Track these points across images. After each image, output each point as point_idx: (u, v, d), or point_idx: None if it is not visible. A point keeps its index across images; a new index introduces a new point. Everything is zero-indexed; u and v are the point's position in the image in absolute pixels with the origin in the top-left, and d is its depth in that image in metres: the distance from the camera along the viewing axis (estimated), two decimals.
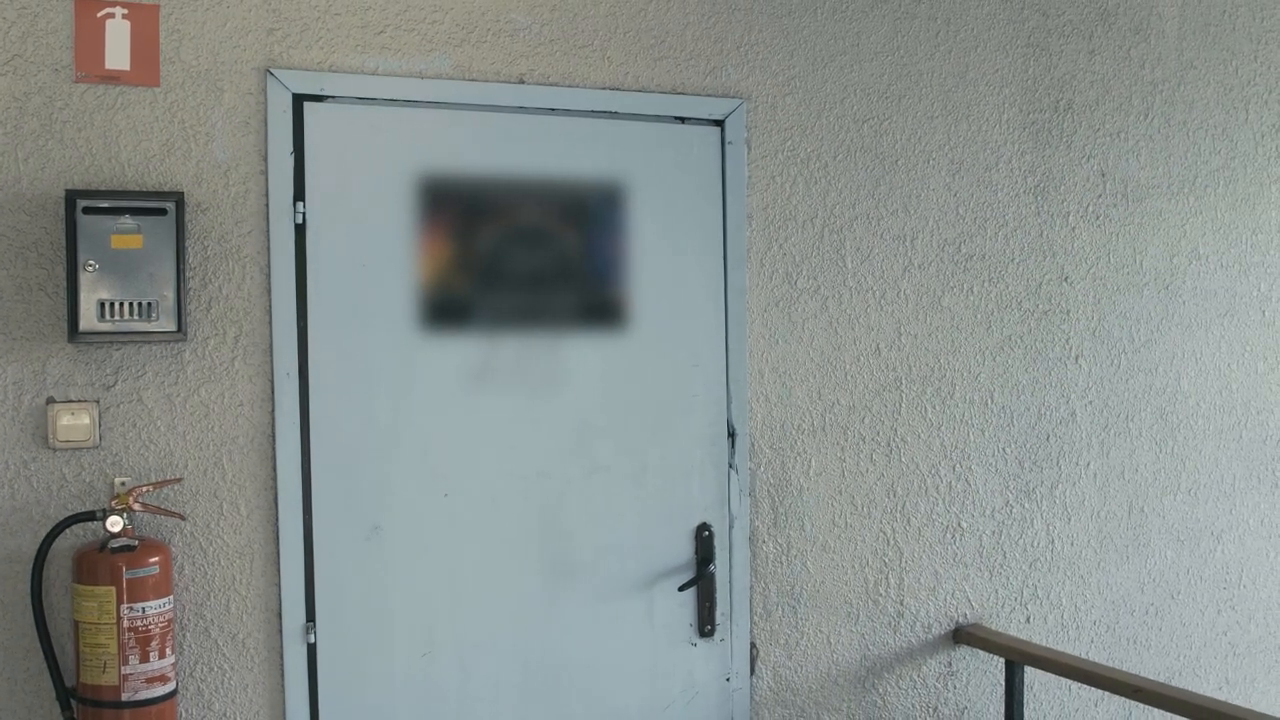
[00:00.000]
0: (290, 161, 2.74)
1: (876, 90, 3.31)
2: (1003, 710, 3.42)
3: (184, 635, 2.66)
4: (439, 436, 2.87)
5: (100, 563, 2.43)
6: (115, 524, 2.46)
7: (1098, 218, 3.60)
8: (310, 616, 2.76)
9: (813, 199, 3.25)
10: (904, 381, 3.35)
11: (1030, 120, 3.50)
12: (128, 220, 2.51)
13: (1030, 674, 3.47)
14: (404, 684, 2.85)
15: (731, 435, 3.15)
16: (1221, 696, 3.81)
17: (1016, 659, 3.29)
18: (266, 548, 2.73)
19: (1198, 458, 3.76)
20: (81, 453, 2.59)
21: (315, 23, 2.77)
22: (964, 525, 3.44)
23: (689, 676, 3.13)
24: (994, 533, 3.48)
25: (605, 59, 3.03)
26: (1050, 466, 3.55)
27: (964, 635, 3.42)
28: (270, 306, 2.72)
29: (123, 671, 2.43)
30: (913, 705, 3.39)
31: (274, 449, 2.73)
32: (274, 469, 2.73)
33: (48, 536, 2.50)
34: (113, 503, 2.51)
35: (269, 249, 2.72)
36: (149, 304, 2.53)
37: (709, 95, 3.13)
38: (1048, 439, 3.54)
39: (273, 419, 2.73)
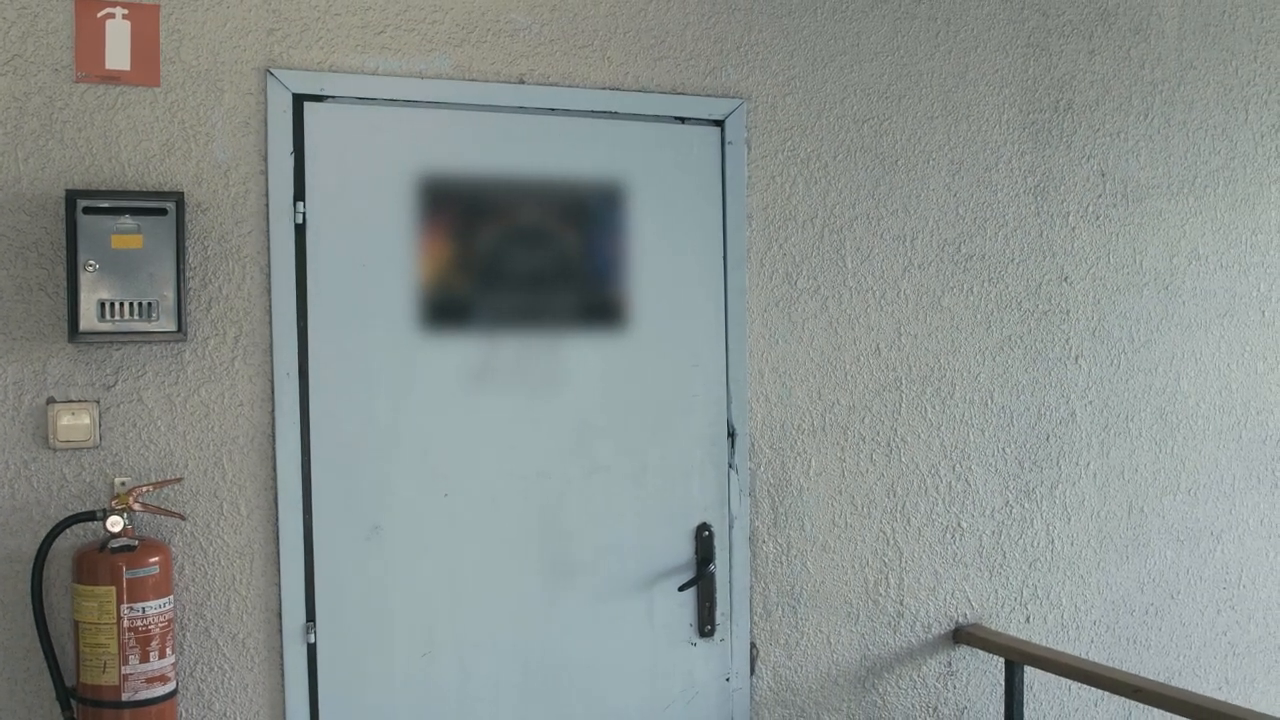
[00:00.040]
0: (290, 161, 2.74)
1: (876, 90, 3.31)
2: (1002, 710, 3.42)
3: (184, 635, 2.66)
4: (439, 436, 2.87)
5: (100, 563, 2.43)
6: (115, 524, 2.46)
7: (1098, 218, 3.60)
8: (310, 616, 2.76)
9: (813, 199, 3.25)
10: (904, 381, 3.35)
11: (1030, 120, 3.50)
12: (128, 220, 2.51)
13: (1030, 674, 3.47)
14: (404, 684, 2.85)
15: (731, 435, 3.15)
16: (1221, 696, 3.81)
17: (1016, 659, 3.29)
18: (266, 548, 2.73)
19: (1197, 458, 3.76)
20: (81, 453, 2.59)
21: (315, 23, 2.77)
22: (964, 525, 3.44)
23: (689, 676, 3.13)
24: (994, 533, 3.48)
25: (605, 59, 3.03)
26: (1050, 466, 3.55)
27: (964, 635, 3.42)
28: (270, 306, 2.72)
29: (123, 671, 2.43)
30: (913, 705, 3.39)
31: (274, 449, 2.73)
32: (274, 469, 2.73)
33: (48, 536, 2.50)
34: (113, 503, 2.51)
35: (269, 249, 2.72)
36: (149, 304, 2.53)
37: (709, 95, 3.13)
38: (1047, 439, 3.54)
39: (273, 419, 2.73)
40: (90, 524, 2.57)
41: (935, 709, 3.42)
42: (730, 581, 3.15)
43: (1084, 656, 3.59)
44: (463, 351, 2.89)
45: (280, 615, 2.74)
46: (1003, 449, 3.48)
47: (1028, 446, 3.52)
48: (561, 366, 2.98)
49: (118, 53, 2.61)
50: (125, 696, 2.44)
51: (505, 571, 2.94)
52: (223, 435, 2.69)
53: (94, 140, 2.60)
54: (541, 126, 2.96)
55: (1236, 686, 3.85)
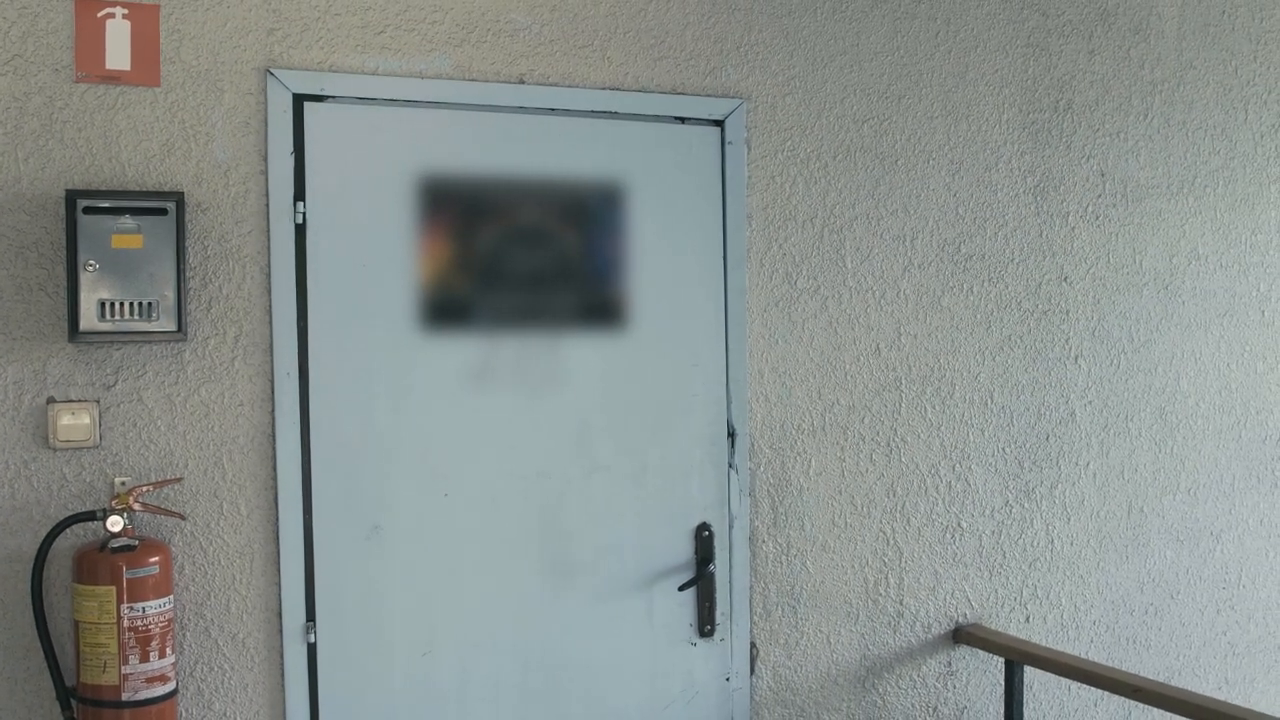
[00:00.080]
0: (290, 161, 2.74)
1: (876, 90, 3.32)
2: (1002, 710, 3.42)
3: (184, 635, 2.66)
4: (439, 436, 2.87)
5: (100, 562, 2.43)
6: (115, 524, 2.46)
7: (1097, 218, 3.60)
8: (310, 616, 2.76)
9: (813, 199, 3.25)
10: (904, 381, 3.36)
11: (1030, 120, 3.50)
12: (128, 220, 2.51)
13: (1030, 674, 3.47)
14: (404, 684, 2.85)
15: (731, 435, 3.15)
16: (1221, 696, 3.81)
17: (1016, 659, 3.29)
18: (266, 547, 2.73)
19: (1197, 457, 3.76)
20: (82, 452, 2.59)
21: (315, 23, 2.77)
22: (964, 525, 3.44)
23: (689, 676, 3.13)
24: (994, 532, 3.48)
25: (605, 59, 3.03)
26: (1050, 466, 3.55)
27: (964, 635, 3.42)
28: (270, 306, 2.72)
29: (123, 671, 2.43)
30: (912, 705, 3.39)
31: (274, 449, 2.73)
32: (274, 469, 2.73)
33: (48, 536, 2.50)
34: (113, 502, 2.51)
35: (269, 249, 2.72)
36: (149, 304, 2.53)
37: (709, 95, 3.13)
38: (1047, 439, 3.54)
39: (273, 419, 2.73)
40: (90, 524, 2.57)
41: (935, 709, 3.42)
42: (730, 581, 3.15)
43: (1084, 656, 3.60)
44: (463, 351, 2.90)
45: (280, 615, 2.74)
46: (1002, 449, 3.49)
47: (1027, 446, 3.52)
48: (561, 366, 2.98)
49: (118, 53, 2.61)
50: (125, 696, 2.44)
51: (505, 571, 2.94)
52: (223, 435, 2.69)
53: (94, 140, 2.60)
54: (541, 126, 2.96)
55: (1236, 686, 3.86)
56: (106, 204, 2.50)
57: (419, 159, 2.85)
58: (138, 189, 2.62)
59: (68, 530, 2.57)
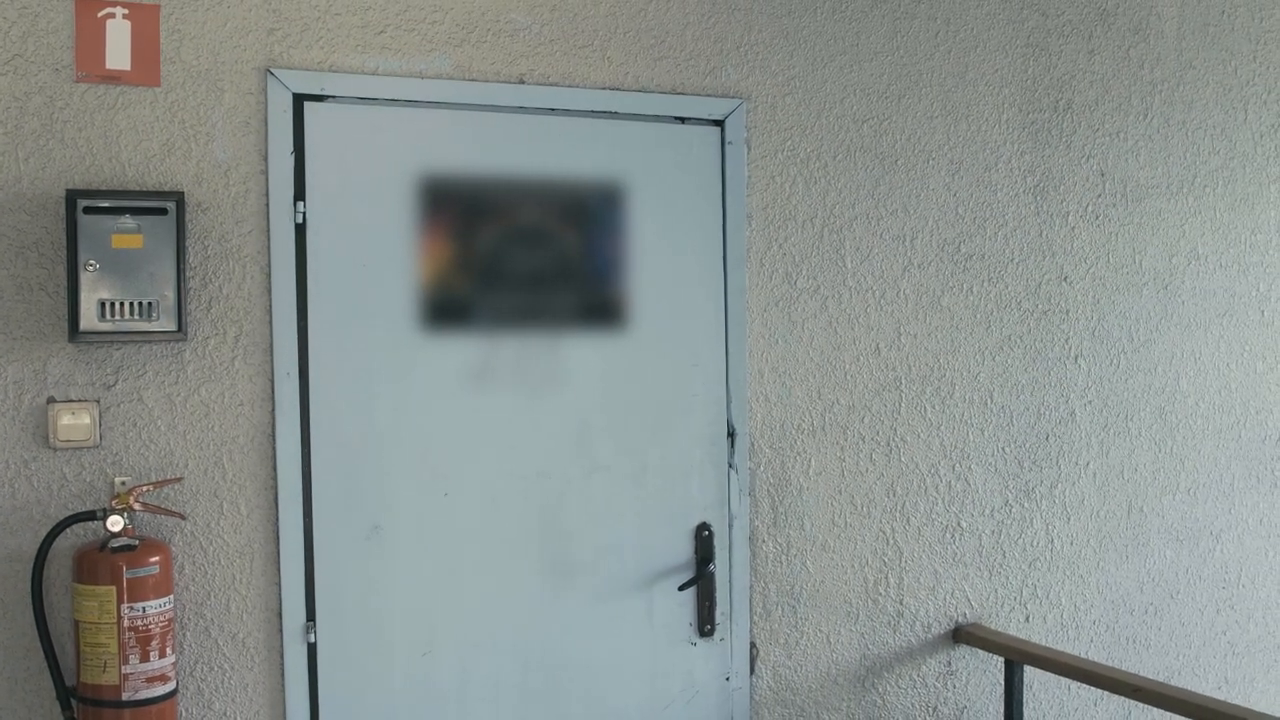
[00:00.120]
0: (290, 161, 2.74)
1: (876, 90, 3.32)
2: (1002, 710, 3.42)
3: (184, 635, 2.66)
4: (439, 436, 2.87)
5: (100, 562, 2.43)
6: (115, 523, 2.46)
7: (1097, 218, 3.60)
8: (310, 616, 2.76)
9: (813, 199, 3.25)
10: (904, 381, 3.36)
11: (1030, 120, 3.50)
12: (128, 220, 2.51)
13: (1030, 673, 3.47)
14: (404, 684, 2.85)
15: (731, 435, 3.15)
16: (1221, 696, 3.81)
17: (1016, 658, 3.29)
18: (267, 547, 2.73)
19: (1197, 457, 3.76)
20: (82, 452, 2.59)
21: (315, 23, 2.77)
22: (963, 525, 3.44)
23: (689, 676, 3.13)
24: (993, 532, 3.48)
25: (605, 59, 3.03)
26: (1050, 466, 3.55)
27: (963, 635, 3.42)
28: (270, 306, 2.72)
29: (123, 671, 2.43)
30: (912, 705, 3.39)
31: (274, 449, 2.73)
32: (274, 469, 2.73)
33: (48, 536, 2.50)
34: (113, 502, 2.51)
35: (269, 249, 2.72)
36: (149, 304, 2.53)
37: (709, 95, 3.13)
38: (1047, 439, 3.54)
39: (273, 419, 2.73)
40: (90, 523, 2.57)
41: (935, 708, 3.42)
42: (730, 581, 3.16)
43: (1083, 656, 3.60)
44: (463, 351, 2.90)
45: (280, 615, 2.74)
46: (1002, 448, 3.49)
47: (1027, 446, 3.52)
48: (561, 366, 2.98)
49: (118, 53, 2.61)
50: (125, 696, 2.44)
51: (505, 571, 2.94)
52: (223, 435, 2.69)
53: (94, 140, 2.60)
54: (541, 126, 2.96)
55: (1236, 686, 3.86)
56: (107, 204, 2.50)
57: (419, 159, 2.85)
58: (138, 189, 2.62)
59: (68, 530, 2.57)
